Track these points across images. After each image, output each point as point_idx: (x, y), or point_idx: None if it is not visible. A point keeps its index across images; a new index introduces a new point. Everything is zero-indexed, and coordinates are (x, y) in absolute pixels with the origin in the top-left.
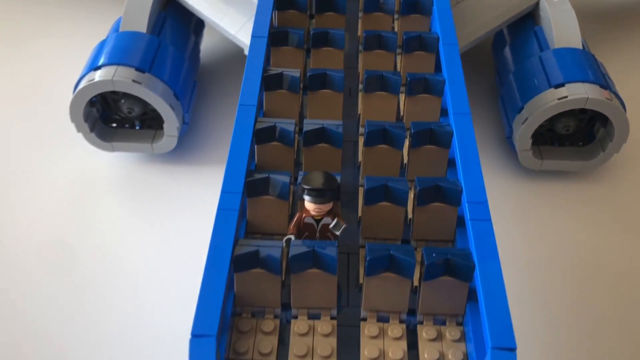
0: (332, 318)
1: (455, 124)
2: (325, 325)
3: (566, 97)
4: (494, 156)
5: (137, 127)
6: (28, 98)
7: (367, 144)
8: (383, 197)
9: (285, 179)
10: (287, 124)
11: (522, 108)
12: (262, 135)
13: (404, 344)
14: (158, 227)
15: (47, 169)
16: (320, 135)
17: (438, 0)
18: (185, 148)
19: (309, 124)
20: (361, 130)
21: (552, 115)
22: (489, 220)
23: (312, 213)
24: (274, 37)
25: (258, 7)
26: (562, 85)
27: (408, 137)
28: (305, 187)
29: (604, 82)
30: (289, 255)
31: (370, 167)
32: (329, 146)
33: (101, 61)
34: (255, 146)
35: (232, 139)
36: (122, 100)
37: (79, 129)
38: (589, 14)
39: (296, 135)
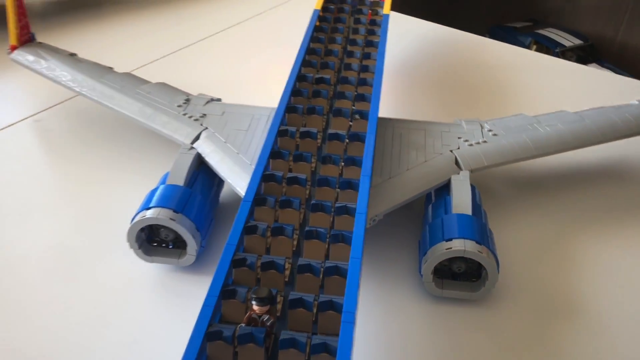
0: None
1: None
2: None
3: (450, 248)
4: (414, 286)
5: (170, 247)
6: (97, 221)
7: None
8: None
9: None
10: None
11: (426, 252)
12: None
13: None
14: (180, 320)
15: (101, 272)
16: None
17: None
18: (202, 262)
19: None
20: None
21: (444, 259)
22: None
23: (257, 312)
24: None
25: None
26: (450, 239)
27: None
28: (253, 296)
29: (480, 240)
30: (237, 334)
31: None
32: None
33: (152, 204)
34: None
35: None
36: (162, 229)
37: (131, 247)
38: (507, 180)
39: None
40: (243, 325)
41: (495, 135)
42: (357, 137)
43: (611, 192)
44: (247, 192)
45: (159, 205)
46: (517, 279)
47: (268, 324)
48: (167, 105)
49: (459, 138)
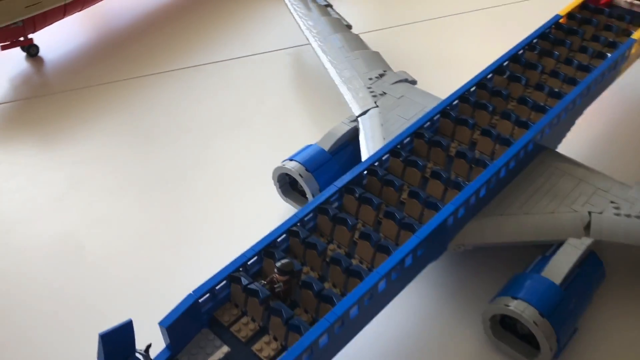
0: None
1: None
2: (252, 325)
3: (509, 306)
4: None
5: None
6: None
7: None
8: None
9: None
10: None
11: (494, 298)
12: None
13: None
14: None
15: (248, 203)
16: None
17: None
18: None
19: None
20: None
21: (505, 313)
22: None
23: (277, 278)
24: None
25: None
26: (516, 298)
27: None
28: (276, 264)
29: (546, 312)
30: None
31: None
32: None
33: (294, 157)
34: None
35: None
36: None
37: (275, 185)
38: None
39: None
40: (263, 282)
41: None
42: (481, 163)
43: None
44: (345, 176)
45: (298, 160)
46: None
47: (277, 290)
48: (362, 75)
49: (611, 202)
